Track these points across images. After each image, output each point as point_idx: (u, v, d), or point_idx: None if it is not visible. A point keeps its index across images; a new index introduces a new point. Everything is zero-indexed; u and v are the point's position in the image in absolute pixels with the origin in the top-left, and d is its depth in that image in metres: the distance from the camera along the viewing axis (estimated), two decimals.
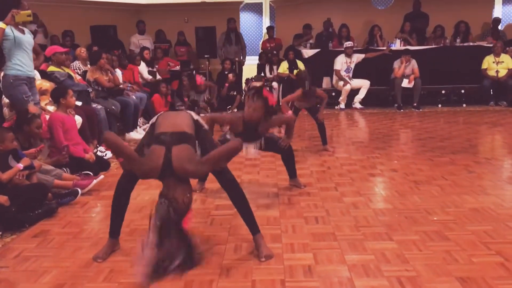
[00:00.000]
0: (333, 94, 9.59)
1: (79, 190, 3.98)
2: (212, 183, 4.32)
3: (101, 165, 4.89)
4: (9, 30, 4.59)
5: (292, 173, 4.21)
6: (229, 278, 2.55)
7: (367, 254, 2.80)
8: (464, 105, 9.45)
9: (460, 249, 2.83)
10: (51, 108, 5.13)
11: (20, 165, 3.62)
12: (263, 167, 4.95)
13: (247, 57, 10.72)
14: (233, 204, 2.85)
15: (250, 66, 10.87)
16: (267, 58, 10.15)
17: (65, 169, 4.41)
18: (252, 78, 9.25)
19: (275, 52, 10.36)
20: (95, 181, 4.22)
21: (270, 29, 10.79)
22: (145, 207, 3.69)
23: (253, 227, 2.85)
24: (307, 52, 9.94)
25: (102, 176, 4.40)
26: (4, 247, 3.05)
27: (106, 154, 5.50)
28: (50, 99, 5.14)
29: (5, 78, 4.68)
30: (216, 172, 2.83)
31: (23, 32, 4.76)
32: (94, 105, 6.05)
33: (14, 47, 4.64)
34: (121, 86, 6.73)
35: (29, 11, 4.66)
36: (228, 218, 3.44)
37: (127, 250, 2.93)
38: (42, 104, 5.14)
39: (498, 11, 11.50)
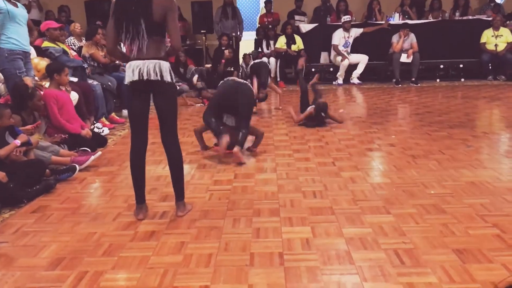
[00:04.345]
0: (331, 69, 9.53)
1: (77, 166, 3.97)
2: (209, 158, 4.34)
3: (98, 141, 4.87)
4: (2, 3, 4.52)
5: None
6: (227, 252, 2.57)
7: (364, 227, 2.81)
8: (463, 79, 9.42)
9: (457, 221, 2.85)
10: (47, 84, 5.08)
11: (17, 142, 3.61)
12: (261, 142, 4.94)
13: (244, 32, 10.57)
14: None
15: (247, 42, 10.74)
16: (265, 33, 10.03)
17: (62, 146, 4.41)
18: (249, 54, 9.15)
19: (270, 26, 10.23)
20: (92, 157, 4.21)
21: (267, 3, 10.61)
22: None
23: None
24: (305, 27, 9.82)
25: (99, 153, 4.39)
26: (2, 223, 3.06)
27: (103, 131, 5.48)
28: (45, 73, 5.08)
29: (0, 52, 4.63)
30: None
31: (16, 5, 4.69)
32: (90, 81, 5.99)
33: (8, 21, 4.57)
34: (117, 62, 6.66)
35: None
36: (227, 193, 3.45)
37: (125, 225, 2.95)
38: (37, 79, 5.10)
39: None
